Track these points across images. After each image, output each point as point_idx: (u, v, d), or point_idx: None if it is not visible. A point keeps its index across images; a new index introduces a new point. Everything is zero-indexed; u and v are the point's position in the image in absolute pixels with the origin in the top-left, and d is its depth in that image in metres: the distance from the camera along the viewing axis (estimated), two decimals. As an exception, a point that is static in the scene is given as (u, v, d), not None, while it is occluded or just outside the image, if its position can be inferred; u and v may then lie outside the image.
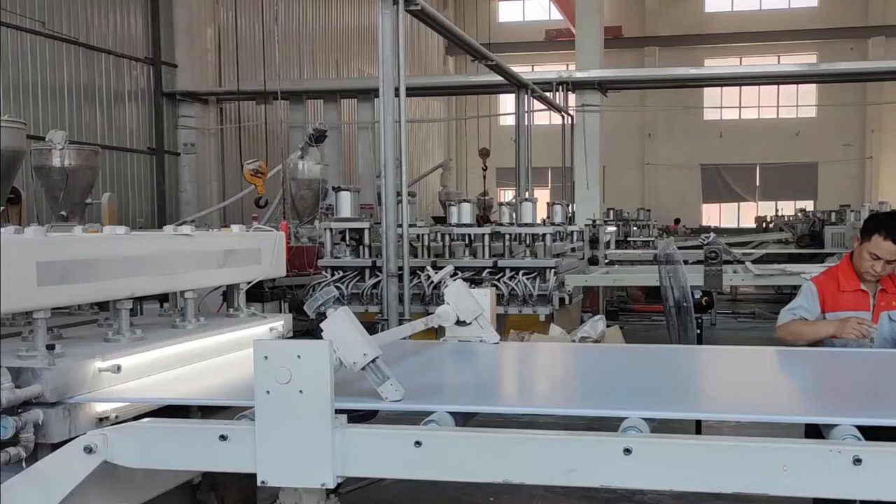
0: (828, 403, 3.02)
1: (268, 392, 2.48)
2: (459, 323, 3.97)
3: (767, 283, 9.71)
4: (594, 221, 14.06)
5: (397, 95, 7.32)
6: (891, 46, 30.49)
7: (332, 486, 2.55)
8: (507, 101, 23.66)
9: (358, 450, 2.53)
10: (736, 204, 34.07)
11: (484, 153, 19.69)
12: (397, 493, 5.73)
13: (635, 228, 19.05)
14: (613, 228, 16.23)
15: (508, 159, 20.42)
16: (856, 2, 31.87)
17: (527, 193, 12.41)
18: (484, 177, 19.70)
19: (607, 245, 15.04)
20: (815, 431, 3.09)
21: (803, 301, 4.12)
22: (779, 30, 31.15)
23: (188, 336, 3.32)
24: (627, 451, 2.37)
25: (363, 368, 2.69)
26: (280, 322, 3.93)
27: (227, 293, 3.86)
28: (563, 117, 17.20)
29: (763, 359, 3.92)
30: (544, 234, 8.71)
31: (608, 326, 9.01)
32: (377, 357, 2.70)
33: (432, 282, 8.45)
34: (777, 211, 29.79)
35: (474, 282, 8.32)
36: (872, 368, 3.52)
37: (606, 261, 13.53)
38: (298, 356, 2.46)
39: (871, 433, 2.45)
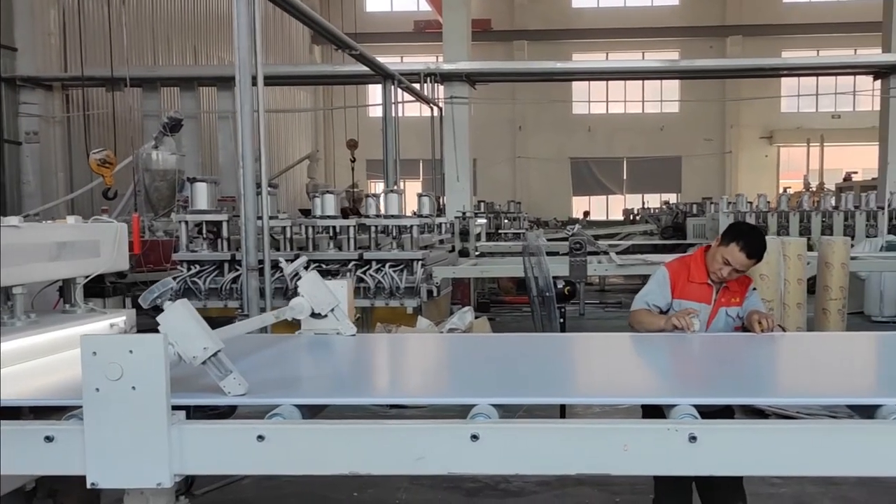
0: (669, 385, 3.09)
1: (97, 389, 2.35)
2: (315, 315, 3.89)
3: (629, 272, 9.97)
4: (464, 214, 14.13)
5: (255, 84, 7.10)
6: (748, 45, 31.92)
7: (168, 485, 2.42)
8: (376, 92, 23.44)
9: (197, 447, 2.43)
10: (605, 197, 34.96)
11: (351, 144, 19.51)
12: (257, 492, 5.58)
13: (506, 221, 19.26)
14: (484, 221, 16.35)
15: (379, 151, 20.18)
16: (714, 2, 33.15)
17: (396, 185, 12.33)
18: (352, 168, 19.51)
19: (478, 237, 15.15)
20: (656, 412, 3.18)
21: (655, 287, 4.23)
22: (643, 27, 32.14)
23: (17, 334, 3.12)
24: (475, 437, 2.36)
25: (204, 363, 2.58)
26: (122, 318, 3.74)
27: (64, 288, 3.64)
28: (431, 109, 17.21)
29: (615, 344, 4.01)
30: (411, 226, 8.66)
31: (477, 318, 9.06)
32: (219, 351, 2.59)
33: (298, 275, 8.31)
34: (644, 203, 30.84)
35: (329, 273, 8.22)
36: (711, 351, 3.66)
37: (477, 253, 13.62)
38: (130, 351, 2.35)
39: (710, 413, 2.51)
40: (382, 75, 12.40)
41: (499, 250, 14.57)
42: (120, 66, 14.71)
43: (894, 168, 17.67)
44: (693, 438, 2.31)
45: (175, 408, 2.45)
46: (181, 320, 2.57)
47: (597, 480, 5.71)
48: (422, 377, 3.29)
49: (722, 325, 4.17)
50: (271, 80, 20.60)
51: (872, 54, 19.32)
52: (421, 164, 27.49)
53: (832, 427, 2.36)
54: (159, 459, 2.38)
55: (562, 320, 6.47)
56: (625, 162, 34.45)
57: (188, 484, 3.28)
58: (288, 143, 27.72)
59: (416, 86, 16.13)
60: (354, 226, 8.53)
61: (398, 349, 3.89)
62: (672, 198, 31.75)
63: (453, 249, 13.48)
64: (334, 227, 8.58)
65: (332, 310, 3.87)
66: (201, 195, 8.27)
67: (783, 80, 30.17)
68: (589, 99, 32.47)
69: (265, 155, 7.37)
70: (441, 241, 10.16)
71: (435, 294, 8.65)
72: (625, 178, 34.74)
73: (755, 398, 3.01)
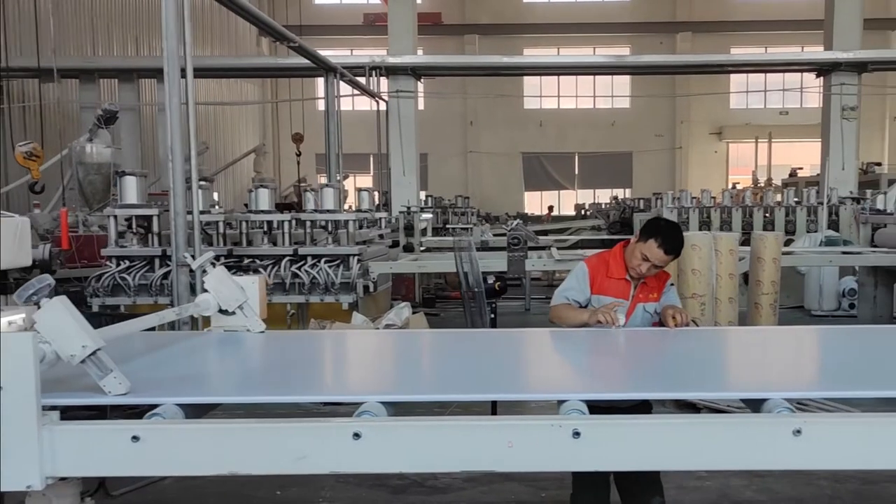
0: (561, 380, 3.08)
1: (-39, 390, 2.25)
2: (224, 312, 3.81)
3: (567, 267, 9.90)
4: (409, 208, 14.06)
5: (185, 76, 6.95)
6: (697, 42, 32.21)
7: (39, 487, 2.34)
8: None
9: (70, 448, 2.35)
10: (557, 192, 35.08)
11: (297, 138, 19.30)
12: (176, 493, 5.47)
13: (454, 215, 19.21)
14: (430, 216, 16.29)
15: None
16: (664, -2, 33.48)
17: (338, 179, 12.22)
18: (298, 162, 19.31)
19: (424, 232, 15.09)
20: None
21: (575, 282, 4.23)
22: (594, 22, 32.29)
23: None
24: (357, 435, 2.32)
25: (83, 361, 2.49)
26: (21, 315, 3.60)
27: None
28: (377, 103, 17.09)
29: (530, 340, 4.01)
30: (347, 221, 8.57)
31: (415, 313, 9.01)
32: (98, 349, 2.51)
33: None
34: (595, 198, 31.02)
35: (263, 269, 8.12)
36: (617, 346, 3.68)
37: (422, 248, 13.56)
38: (-4, 350, 2.26)
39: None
40: (324, 68, 12.25)
41: (444, 245, 14.51)
42: (58, 56, 14.22)
43: (836, 164, 17.93)
44: (577, 434, 2.29)
45: (51, 408, 2.38)
46: (58, 318, 2.49)
47: (524, 476, 5.69)
48: (317, 375, 3.22)
49: (639, 321, 4.18)
50: (214, 73, 20.43)
51: (814, 52, 19.58)
52: (371, 159, 27.34)
53: (709, 421, 2.37)
54: (29, 461, 2.30)
55: (493, 316, 6.44)
56: (576, 157, 34.59)
57: (98, 484, 3.19)
58: (235, 136, 27.35)
59: (363, 79, 16.00)
60: (289, 221, 8.41)
61: (304, 347, 3.81)
62: (624, 193, 32.04)
63: (396, 244, 13.44)
64: (269, 222, 8.45)
65: (241, 306, 3.79)
66: (130, 189, 8.09)
67: (732, 76, 30.57)
68: (541, 94, 32.57)
69: (195, 148, 7.23)
70: (381, 237, 10.07)
71: (372, 290, 8.57)
72: (576, 173, 34.88)
73: (641, 393, 3.01)
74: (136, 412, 2.66)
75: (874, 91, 24.43)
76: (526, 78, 31.15)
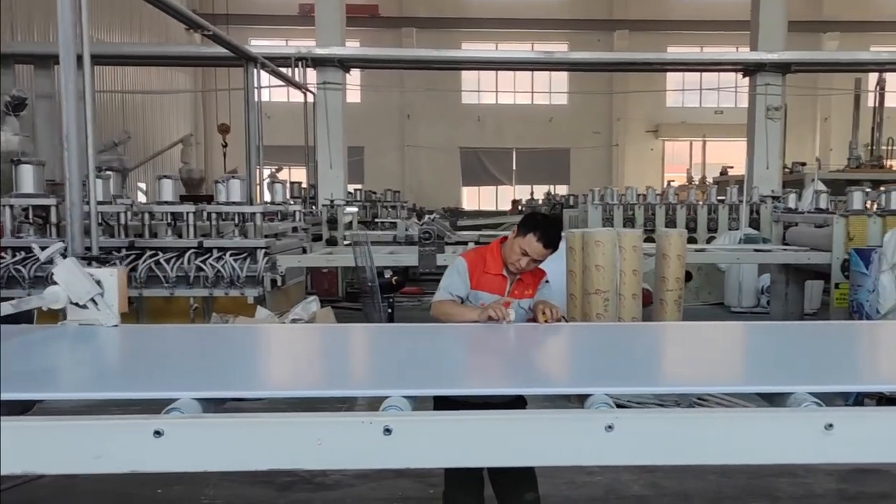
0: (385, 377, 3.05)
1: None
2: (77, 305, 3.70)
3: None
4: (332, 202, 13.93)
5: (81, 64, 6.74)
6: (634, 40, 32.47)
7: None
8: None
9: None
10: (495, 187, 35.12)
11: (223, 129, 19.02)
12: (53, 491, 5.31)
13: (384, 209, 19.10)
14: (355, 209, 16.16)
15: (266, 137, 19.68)
16: (602, -5, 33.68)
17: (259, 172, 12.04)
18: (224, 154, 19.02)
19: (349, 226, 14.96)
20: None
21: (456, 277, 4.20)
22: (532, 18, 32.37)
23: None
24: (158, 433, 2.24)
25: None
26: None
27: None
28: (304, 95, 16.87)
29: (420, 334, 3.98)
30: (254, 214, 8.43)
31: (322, 307, 8.90)
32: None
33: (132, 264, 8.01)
34: (532, 194, 31.09)
35: (167, 262, 7.96)
36: (475, 341, 3.68)
37: (346, 242, 13.43)
38: None
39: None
40: (244, 58, 12.04)
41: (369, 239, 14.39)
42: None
43: (760, 163, 18.21)
44: (388, 431, 2.24)
45: None
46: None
47: (416, 472, 5.65)
48: (148, 370, 3.11)
49: (513, 318, 4.16)
50: (132, 61, 19.88)
51: (740, 52, 19.87)
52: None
53: (524, 416, 2.33)
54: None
55: (390, 311, 6.38)
56: (514, 152, 34.65)
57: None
58: (166, 126, 26.83)
59: (289, 70, 15.79)
60: (193, 212, 8.24)
61: (150, 341, 3.71)
62: (563, 189, 32.16)
63: (321, 238, 13.32)
64: (174, 214, 8.27)
65: (94, 300, 3.67)
66: (27, 178, 7.85)
67: (669, 75, 30.87)
68: (479, 89, 32.56)
69: (92, 137, 7.03)
70: (295, 230, 9.93)
71: (280, 283, 8.45)
72: (514, 168, 34.94)
73: (457, 389, 2.99)
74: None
75: (806, 92, 24.97)
76: (464, 73, 31.14)
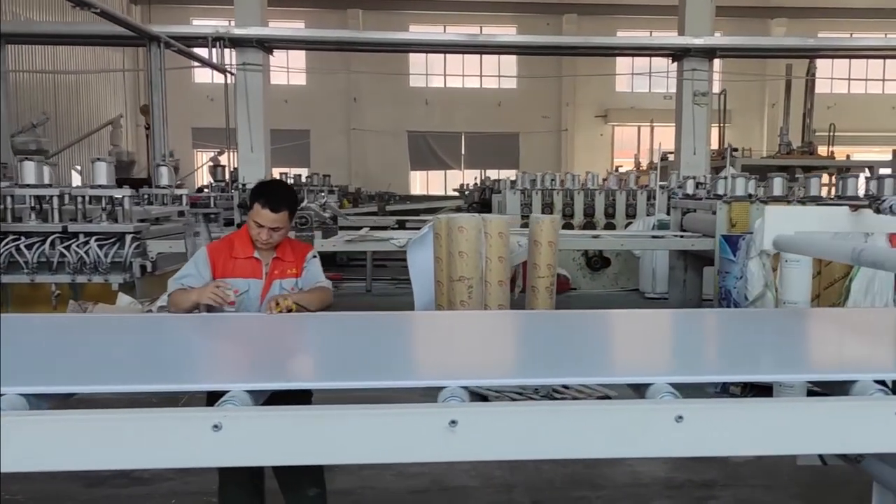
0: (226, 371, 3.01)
1: None
2: None
3: (357, 248, 9.84)
4: (244, 185, 13.73)
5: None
6: (583, 24, 32.41)
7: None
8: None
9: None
10: (443, 171, 34.96)
11: (144, 110, 18.65)
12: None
13: (311, 194, 18.87)
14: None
15: (207, 119, 19.58)
16: (551, -22, 33.50)
17: (163, 156, 11.83)
18: (147, 136, 18.67)
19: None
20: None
21: (193, 268, 4.08)
22: (481, 0, 32.17)
23: None
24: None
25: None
26: None
27: None
28: (225, 76, 16.59)
29: (311, 324, 3.77)
30: (123, 198, 8.23)
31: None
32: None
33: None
34: (481, 179, 30.91)
35: (30, 248, 7.76)
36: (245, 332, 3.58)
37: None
38: None
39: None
40: (147, 38, 11.78)
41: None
42: None
43: (687, 149, 18.22)
44: (217, 427, 2.09)
45: None
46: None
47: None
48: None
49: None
50: (62, 40, 19.48)
51: (668, 36, 19.84)
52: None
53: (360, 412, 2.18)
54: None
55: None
56: (463, 137, 34.49)
57: None
58: (101, 107, 26.36)
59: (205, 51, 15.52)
60: (59, 196, 8.03)
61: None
62: (511, 174, 31.99)
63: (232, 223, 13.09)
64: (38, 197, 8.06)
65: None
66: None
67: (619, 60, 30.79)
68: (426, 72, 32.31)
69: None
70: (181, 213, 9.73)
71: (150, 269, 8.25)
72: (463, 153, 34.79)
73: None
74: None
75: (748, 78, 25.05)
76: (412, 56, 30.85)
